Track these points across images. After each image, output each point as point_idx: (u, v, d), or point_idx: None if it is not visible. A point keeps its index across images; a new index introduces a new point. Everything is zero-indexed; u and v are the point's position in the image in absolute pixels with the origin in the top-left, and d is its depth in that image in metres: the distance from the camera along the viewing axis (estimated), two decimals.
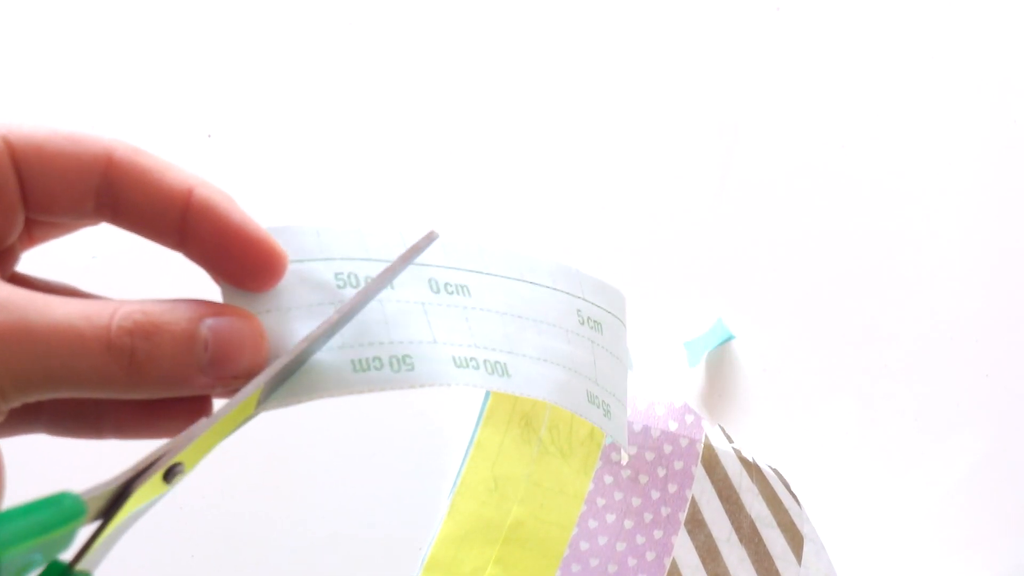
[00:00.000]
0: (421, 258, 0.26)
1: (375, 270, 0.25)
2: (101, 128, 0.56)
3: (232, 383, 0.23)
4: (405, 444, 0.56)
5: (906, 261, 0.58)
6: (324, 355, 0.24)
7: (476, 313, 0.26)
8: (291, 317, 0.24)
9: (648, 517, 0.51)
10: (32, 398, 0.22)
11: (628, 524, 0.51)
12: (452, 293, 0.26)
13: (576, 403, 0.27)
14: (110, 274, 0.54)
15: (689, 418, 0.52)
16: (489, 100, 0.58)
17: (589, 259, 0.58)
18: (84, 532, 0.21)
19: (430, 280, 0.26)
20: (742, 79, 0.59)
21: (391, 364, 0.24)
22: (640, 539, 0.51)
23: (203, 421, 0.23)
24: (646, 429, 0.52)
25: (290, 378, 0.24)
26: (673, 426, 0.52)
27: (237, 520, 0.55)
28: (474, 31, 0.59)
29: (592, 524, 0.51)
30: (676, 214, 0.58)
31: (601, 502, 0.51)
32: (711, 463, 0.51)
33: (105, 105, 0.56)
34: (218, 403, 0.24)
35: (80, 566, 0.21)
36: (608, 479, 0.52)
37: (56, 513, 0.20)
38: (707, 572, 0.50)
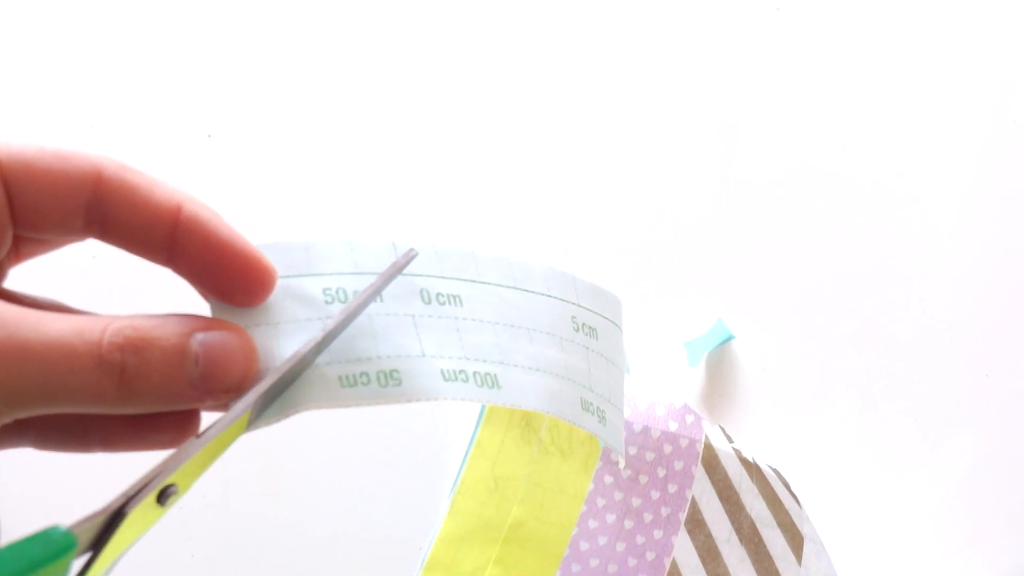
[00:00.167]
0: (414, 268, 0.26)
1: (364, 284, 0.25)
2: (102, 128, 0.56)
3: (223, 397, 0.23)
4: (405, 444, 0.56)
5: (906, 261, 0.58)
6: (313, 371, 0.24)
7: (468, 324, 0.26)
8: (279, 333, 0.24)
9: (648, 517, 0.51)
10: (24, 414, 0.22)
11: (628, 524, 0.51)
12: (444, 304, 0.26)
13: (569, 411, 0.27)
14: (110, 274, 0.54)
15: (689, 418, 0.52)
16: (489, 100, 0.58)
17: (589, 259, 0.58)
18: (80, 561, 0.21)
19: (422, 291, 0.26)
20: (742, 79, 0.59)
21: (379, 379, 0.24)
22: (640, 539, 0.51)
23: (195, 441, 0.23)
24: (646, 429, 0.52)
25: (280, 395, 0.24)
26: (673, 426, 0.52)
27: (237, 520, 0.55)
28: (474, 32, 0.59)
29: (592, 524, 0.51)
30: (676, 214, 0.58)
31: (601, 502, 0.51)
32: (711, 463, 0.51)
33: (105, 105, 0.56)
34: (209, 418, 0.24)
35: None
36: (608, 479, 0.52)
37: (46, 549, 0.19)
38: (707, 572, 0.50)
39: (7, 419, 0.22)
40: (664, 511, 0.51)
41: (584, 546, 0.51)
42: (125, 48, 0.57)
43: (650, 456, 0.51)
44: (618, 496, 0.51)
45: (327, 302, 0.25)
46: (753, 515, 0.51)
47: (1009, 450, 0.56)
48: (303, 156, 0.57)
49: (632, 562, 0.50)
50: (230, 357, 0.23)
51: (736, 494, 0.51)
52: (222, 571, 0.54)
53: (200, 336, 0.23)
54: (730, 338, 0.57)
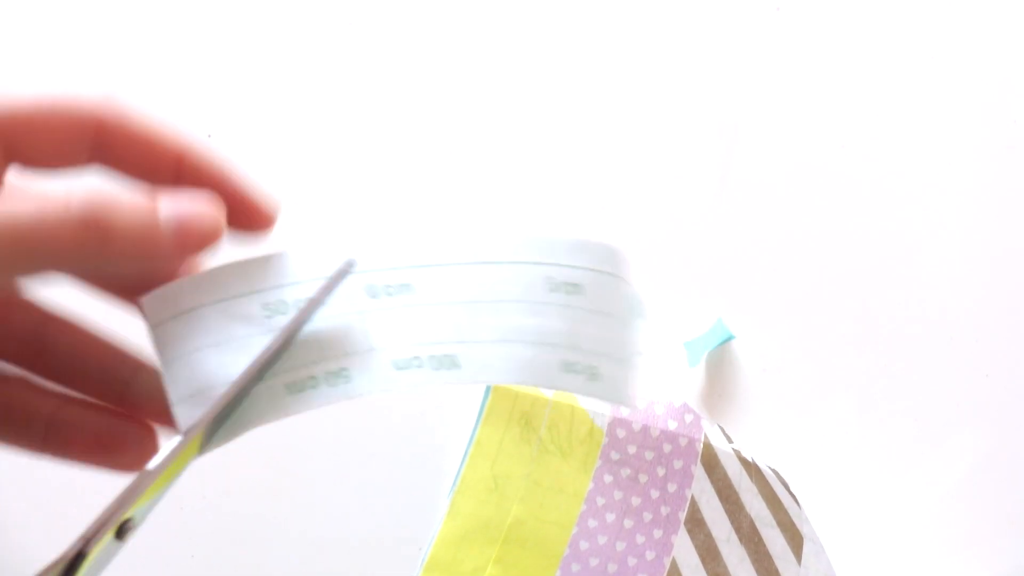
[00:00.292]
0: (359, 265, 0.25)
1: (303, 292, 0.25)
2: None
3: (197, 251, 0.23)
4: (405, 444, 0.56)
5: (906, 261, 0.58)
6: (260, 385, 0.24)
7: (420, 310, 0.25)
8: (223, 353, 0.24)
9: (648, 516, 0.51)
10: (13, 276, 0.22)
11: (628, 523, 0.51)
12: (392, 295, 0.25)
13: (547, 377, 0.26)
14: None
15: (688, 417, 0.52)
16: (489, 100, 0.58)
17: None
18: None
19: (368, 287, 0.25)
20: (742, 79, 0.59)
21: (326, 380, 0.24)
22: (640, 538, 0.51)
23: (148, 473, 0.22)
24: (645, 428, 0.52)
25: (229, 417, 0.24)
26: (672, 425, 0.52)
27: (237, 520, 0.55)
28: (474, 31, 0.59)
29: (592, 523, 0.51)
30: (676, 214, 0.58)
31: (601, 501, 0.51)
32: (711, 463, 0.51)
33: None
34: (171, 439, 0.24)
35: None
36: (608, 478, 0.52)
37: None
38: (707, 572, 0.50)
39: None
40: (664, 510, 0.51)
41: (584, 545, 0.51)
42: (125, 48, 0.57)
43: (649, 455, 0.51)
44: (618, 495, 0.51)
45: (267, 316, 0.24)
46: (753, 515, 0.51)
47: (1009, 450, 0.56)
48: (303, 156, 0.57)
49: (632, 561, 0.50)
50: (199, 211, 0.23)
51: (736, 493, 0.51)
52: (222, 571, 0.54)
53: (166, 198, 0.23)
54: (730, 338, 0.57)
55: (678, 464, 0.51)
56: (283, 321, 0.24)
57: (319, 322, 0.25)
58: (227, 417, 0.24)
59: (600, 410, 0.52)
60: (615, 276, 0.29)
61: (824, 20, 0.59)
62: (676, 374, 0.56)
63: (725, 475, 0.51)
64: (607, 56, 0.59)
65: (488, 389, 0.52)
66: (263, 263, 0.25)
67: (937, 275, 0.57)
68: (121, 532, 0.23)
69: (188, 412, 0.24)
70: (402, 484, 0.56)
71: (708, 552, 0.50)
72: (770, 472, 0.51)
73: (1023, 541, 0.56)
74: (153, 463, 0.23)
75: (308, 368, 0.24)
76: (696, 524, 0.51)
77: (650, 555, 0.50)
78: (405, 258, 0.26)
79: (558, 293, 0.27)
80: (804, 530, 0.51)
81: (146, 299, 0.24)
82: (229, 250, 0.26)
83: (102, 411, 0.27)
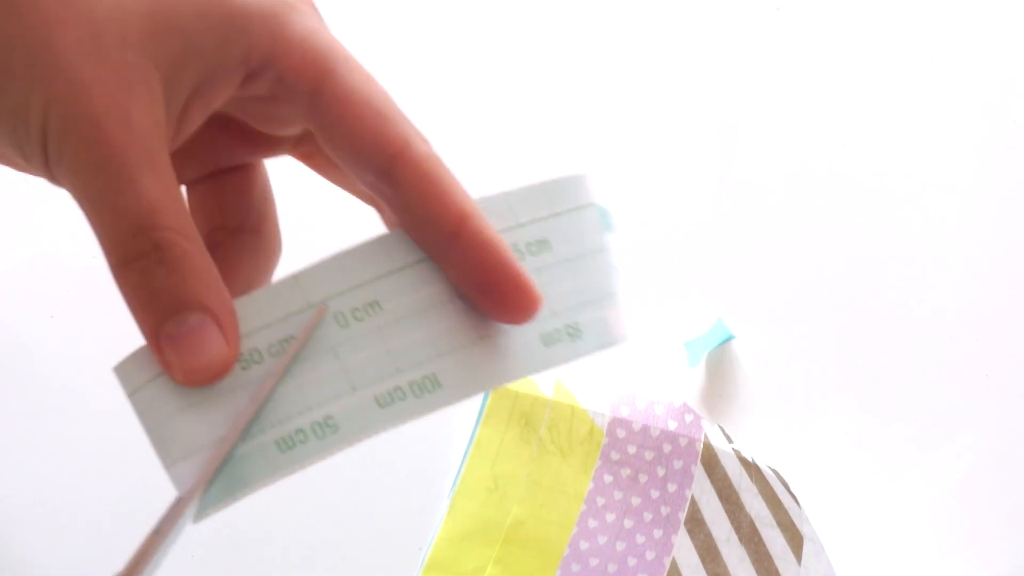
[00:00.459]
0: (321, 292, 0.24)
1: (275, 335, 0.24)
2: None
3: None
4: (405, 444, 0.56)
5: (906, 261, 0.58)
6: (248, 444, 0.23)
7: (393, 328, 0.24)
8: (206, 411, 0.23)
9: (648, 516, 0.51)
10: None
11: (628, 523, 0.51)
12: (361, 319, 0.24)
13: (530, 363, 0.25)
14: (110, 275, 0.54)
15: (688, 417, 0.52)
16: (489, 100, 0.58)
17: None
18: None
19: (336, 315, 0.24)
20: (742, 79, 0.59)
21: (315, 432, 0.23)
22: (640, 538, 0.51)
23: (146, 541, 0.22)
24: (645, 428, 0.52)
25: (219, 478, 0.23)
26: (672, 425, 0.52)
27: (237, 520, 0.55)
28: (474, 31, 0.59)
29: (592, 523, 0.51)
30: (676, 214, 0.58)
31: (601, 501, 0.51)
32: (711, 463, 0.51)
33: None
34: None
35: None
36: (608, 478, 0.52)
37: None
38: (707, 572, 0.50)
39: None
40: (664, 510, 0.51)
41: (584, 545, 0.51)
42: None
43: (649, 455, 0.52)
44: (618, 495, 0.51)
45: (243, 368, 0.23)
46: (753, 515, 0.51)
47: (1009, 450, 0.56)
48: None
49: (632, 561, 0.50)
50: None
51: (736, 493, 0.51)
52: (222, 571, 0.54)
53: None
54: (730, 338, 0.57)
55: (678, 464, 0.51)
56: (260, 371, 0.23)
57: (296, 365, 0.23)
58: (215, 480, 0.23)
59: (600, 410, 0.52)
60: (580, 208, 0.27)
61: (824, 20, 0.59)
62: (676, 374, 0.56)
63: (725, 475, 0.51)
64: (607, 56, 0.59)
65: None
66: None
67: (937, 275, 0.57)
68: None
69: (183, 475, 0.23)
70: (402, 484, 0.56)
71: (708, 552, 0.50)
72: (770, 472, 0.51)
73: (1023, 541, 0.56)
74: (152, 529, 0.23)
75: (294, 420, 0.23)
76: (696, 524, 0.51)
77: (650, 555, 0.50)
78: (366, 270, 0.24)
79: (524, 260, 0.25)
80: (804, 530, 0.51)
81: (119, 367, 0.23)
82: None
83: None
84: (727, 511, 0.51)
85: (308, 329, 0.24)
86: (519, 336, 0.25)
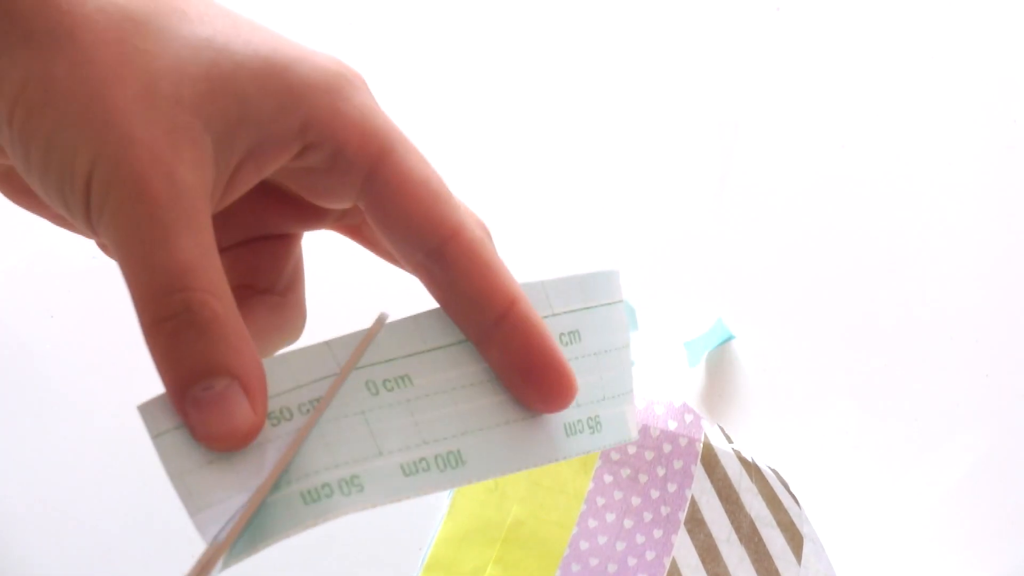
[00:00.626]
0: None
1: (307, 395, 0.24)
2: None
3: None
4: None
5: (906, 261, 0.58)
6: (273, 495, 0.23)
7: (422, 403, 0.25)
8: (235, 464, 0.23)
9: (648, 516, 0.51)
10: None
11: (628, 523, 0.51)
12: (392, 390, 0.24)
13: (550, 452, 0.25)
14: (110, 275, 0.54)
15: (688, 417, 0.52)
16: (489, 100, 0.58)
17: (589, 260, 0.58)
18: None
19: (367, 383, 0.24)
20: (742, 79, 0.59)
21: (341, 488, 0.23)
22: (640, 538, 0.51)
23: None
24: (645, 428, 0.52)
25: (248, 530, 0.23)
26: (672, 425, 0.52)
27: None
28: (474, 31, 0.59)
29: (592, 523, 0.51)
30: (676, 214, 0.58)
31: (601, 501, 0.51)
32: (710, 462, 0.51)
33: None
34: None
35: None
36: (608, 478, 0.52)
37: None
38: (707, 572, 0.50)
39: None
40: (664, 510, 0.51)
41: (584, 545, 0.51)
42: None
43: (649, 455, 0.52)
44: (618, 495, 0.51)
45: (273, 425, 0.23)
46: (753, 515, 0.51)
47: (1009, 450, 0.56)
48: None
49: (632, 561, 0.50)
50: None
51: (736, 493, 0.51)
52: (222, 571, 0.54)
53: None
54: (730, 338, 0.57)
55: (678, 464, 0.51)
56: (289, 428, 0.23)
57: (325, 424, 0.24)
58: (243, 530, 0.23)
59: None
60: (613, 304, 0.28)
61: (824, 20, 0.59)
62: (676, 374, 0.56)
63: (725, 475, 0.51)
64: (607, 56, 0.59)
65: None
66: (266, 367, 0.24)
67: (937, 275, 0.57)
68: None
69: (208, 523, 0.23)
70: None
71: (708, 552, 0.50)
72: (770, 472, 0.51)
73: (1023, 541, 0.56)
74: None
75: (320, 475, 0.23)
76: (696, 524, 0.51)
77: (650, 555, 0.50)
78: (400, 346, 0.25)
79: None
80: (804, 530, 0.51)
81: (144, 407, 0.23)
82: None
83: None
84: (727, 511, 0.51)
85: (367, 339, 0.24)
86: (544, 425, 0.26)
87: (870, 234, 0.58)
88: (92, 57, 0.21)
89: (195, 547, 0.22)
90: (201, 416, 0.22)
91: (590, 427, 0.26)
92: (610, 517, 0.51)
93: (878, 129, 0.58)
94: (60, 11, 0.22)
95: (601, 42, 0.59)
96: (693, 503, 0.51)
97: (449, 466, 0.25)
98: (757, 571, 0.50)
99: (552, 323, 0.26)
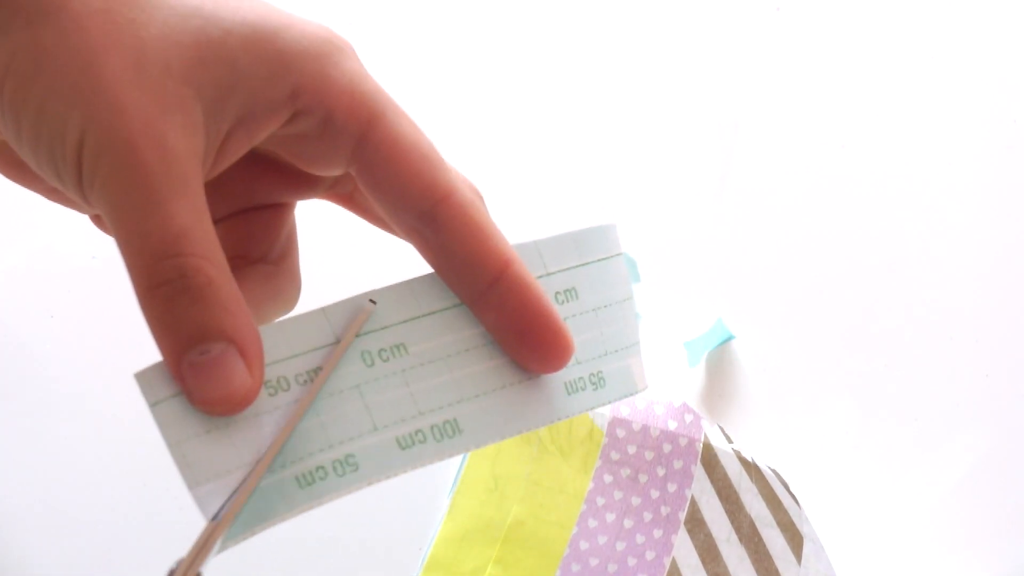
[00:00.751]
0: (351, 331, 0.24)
1: (304, 366, 0.24)
2: None
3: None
4: None
5: (906, 261, 0.58)
6: (268, 479, 0.23)
7: (417, 371, 0.24)
8: (232, 434, 0.23)
9: (648, 516, 0.51)
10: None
11: (628, 523, 0.51)
12: (387, 360, 0.24)
13: (551, 412, 0.25)
14: (110, 274, 0.54)
15: (688, 417, 0.52)
16: (489, 99, 0.58)
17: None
18: None
19: (363, 354, 0.24)
20: (742, 79, 0.59)
21: (335, 469, 0.23)
22: (640, 538, 0.51)
23: (180, 570, 0.22)
24: (645, 428, 0.52)
25: (243, 514, 0.23)
26: (672, 425, 0.52)
27: None
28: (474, 31, 0.59)
29: (592, 523, 0.51)
30: (676, 214, 0.58)
31: (601, 501, 0.51)
32: (710, 462, 0.51)
33: None
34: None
35: None
36: (608, 478, 0.52)
37: None
38: (707, 572, 0.50)
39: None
40: (664, 510, 0.51)
41: (584, 545, 0.51)
42: None
43: (649, 455, 0.52)
44: (618, 495, 0.51)
45: (270, 394, 0.23)
46: (753, 515, 0.51)
47: (1009, 450, 0.56)
48: None
49: (632, 561, 0.50)
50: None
51: (736, 493, 0.51)
52: (222, 571, 0.54)
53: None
54: (730, 338, 0.57)
55: (678, 464, 0.51)
56: (287, 398, 0.23)
57: (320, 402, 0.24)
58: (240, 511, 0.23)
59: (600, 410, 0.52)
60: (608, 258, 0.27)
61: (824, 20, 0.59)
62: (676, 374, 0.56)
63: (725, 475, 0.51)
64: (607, 56, 0.59)
65: None
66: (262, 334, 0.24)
67: (937, 275, 0.57)
68: None
69: (207, 498, 0.23)
70: (402, 484, 0.55)
71: (708, 552, 0.50)
72: (770, 472, 0.51)
73: (1023, 541, 0.56)
74: (184, 561, 0.22)
75: (315, 457, 0.23)
76: (696, 524, 0.51)
77: (650, 555, 0.50)
78: (396, 312, 0.25)
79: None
80: (804, 530, 0.51)
81: (140, 374, 0.22)
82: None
83: None
84: (727, 511, 0.51)
85: (344, 345, 0.24)
86: (543, 385, 0.25)
87: (870, 234, 0.58)
88: (81, 26, 0.21)
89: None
90: (198, 381, 0.22)
91: (592, 384, 0.26)
92: (610, 517, 0.51)
93: (878, 129, 0.58)
94: None
95: (601, 42, 0.59)
96: (693, 503, 0.51)
97: (446, 436, 0.24)
98: (757, 571, 0.50)
99: (547, 282, 0.26)
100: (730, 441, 0.52)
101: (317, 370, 0.24)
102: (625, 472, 0.52)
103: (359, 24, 0.58)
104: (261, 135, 0.24)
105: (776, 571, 0.50)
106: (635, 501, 0.51)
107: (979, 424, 0.57)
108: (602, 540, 0.51)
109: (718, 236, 0.58)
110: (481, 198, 0.25)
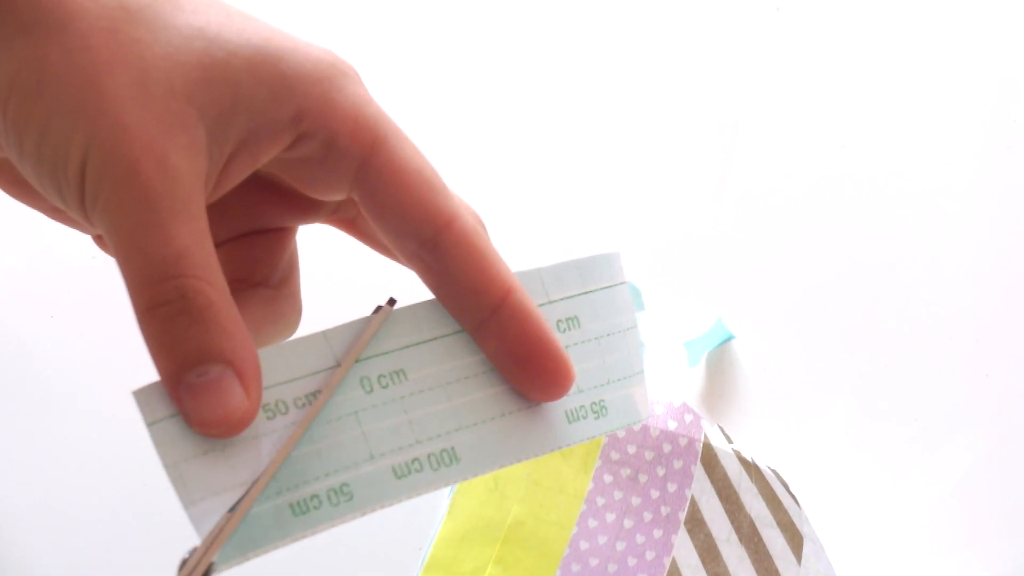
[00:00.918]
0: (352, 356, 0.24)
1: (303, 390, 0.23)
2: None
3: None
4: None
5: (906, 261, 0.58)
6: (263, 505, 0.23)
7: (416, 399, 0.24)
8: (230, 456, 0.22)
9: (648, 516, 0.51)
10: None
11: (628, 523, 0.51)
12: (387, 386, 0.24)
13: (551, 441, 0.25)
14: (110, 274, 0.54)
15: (688, 417, 0.52)
16: (489, 99, 0.58)
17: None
18: None
19: (362, 380, 0.24)
20: (742, 79, 0.59)
21: (329, 499, 0.23)
22: (640, 538, 0.51)
23: None
24: (645, 428, 0.52)
25: (233, 536, 0.23)
26: (672, 425, 0.52)
27: None
28: (474, 31, 0.59)
29: (592, 523, 0.51)
30: (676, 214, 0.58)
31: (601, 501, 0.51)
32: (710, 462, 0.51)
33: None
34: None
35: None
36: (608, 478, 0.52)
37: None
38: (707, 572, 0.50)
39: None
40: (664, 510, 0.51)
41: (584, 545, 0.51)
42: None
43: (649, 455, 0.52)
44: (618, 495, 0.51)
45: (268, 417, 0.23)
46: (753, 515, 0.51)
47: (1009, 450, 0.57)
48: None
49: (632, 561, 0.50)
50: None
51: (736, 493, 0.51)
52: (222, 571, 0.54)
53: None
54: (730, 338, 0.57)
55: (678, 464, 0.51)
56: (285, 421, 0.23)
57: (316, 428, 0.23)
58: (233, 536, 0.23)
59: None
60: (614, 287, 0.27)
61: (824, 20, 0.59)
62: (676, 374, 0.56)
63: (725, 475, 0.51)
64: (607, 56, 0.59)
65: None
66: (262, 357, 0.24)
67: (937, 275, 0.57)
68: None
69: (202, 516, 0.22)
70: None
71: (708, 552, 0.50)
72: (770, 472, 0.51)
73: (1023, 541, 0.56)
74: (197, 544, 0.22)
75: (310, 485, 0.23)
76: (696, 524, 0.51)
77: (650, 555, 0.50)
78: (397, 338, 0.24)
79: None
80: (804, 530, 0.51)
81: (139, 393, 0.22)
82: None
83: None
84: (727, 511, 0.51)
85: (344, 368, 0.24)
86: (543, 413, 0.25)
87: (870, 234, 0.58)
88: (86, 45, 0.21)
89: (194, 545, 0.22)
90: (195, 402, 0.22)
91: (594, 412, 0.26)
92: (610, 517, 0.51)
93: (878, 129, 0.58)
94: (54, 0, 0.22)
95: (601, 42, 0.59)
96: (693, 503, 0.51)
97: (443, 464, 0.24)
98: (757, 571, 0.50)
99: (549, 310, 0.26)
100: (730, 441, 0.52)
101: (316, 394, 0.24)
102: (625, 472, 0.52)
103: (356, 43, 0.58)
104: (264, 158, 0.24)
105: (776, 571, 0.50)
106: (635, 501, 0.51)
107: (979, 424, 0.57)
108: (602, 540, 0.51)
109: (718, 236, 0.58)
110: (483, 225, 0.25)
